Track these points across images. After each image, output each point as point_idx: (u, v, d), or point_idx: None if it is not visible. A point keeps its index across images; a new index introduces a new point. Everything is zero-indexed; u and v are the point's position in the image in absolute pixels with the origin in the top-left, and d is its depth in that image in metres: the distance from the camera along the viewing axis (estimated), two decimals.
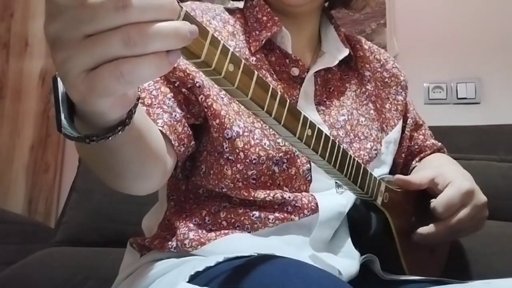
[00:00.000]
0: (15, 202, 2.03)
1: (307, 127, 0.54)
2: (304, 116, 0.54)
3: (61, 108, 0.39)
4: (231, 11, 0.79)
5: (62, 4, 0.33)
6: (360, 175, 0.64)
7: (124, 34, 0.33)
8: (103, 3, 0.33)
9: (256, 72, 0.47)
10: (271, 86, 0.49)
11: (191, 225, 0.68)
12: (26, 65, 2.12)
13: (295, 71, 0.75)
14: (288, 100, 0.51)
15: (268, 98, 0.48)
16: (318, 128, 0.56)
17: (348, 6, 0.84)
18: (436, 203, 0.70)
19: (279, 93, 0.50)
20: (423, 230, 0.71)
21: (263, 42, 0.73)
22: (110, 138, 0.41)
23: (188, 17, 0.38)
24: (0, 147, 2.06)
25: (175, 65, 0.65)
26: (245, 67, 0.45)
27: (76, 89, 0.36)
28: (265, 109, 0.48)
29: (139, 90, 0.43)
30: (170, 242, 0.68)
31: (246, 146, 0.67)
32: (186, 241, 0.66)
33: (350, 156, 0.62)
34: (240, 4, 0.83)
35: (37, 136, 2.10)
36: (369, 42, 0.90)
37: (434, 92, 1.71)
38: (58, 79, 0.38)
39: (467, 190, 0.70)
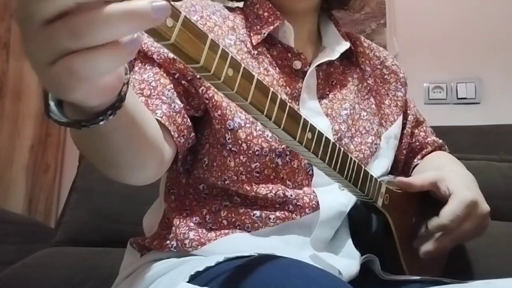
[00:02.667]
0: (15, 202, 2.03)
1: (307, 131, 0.54)
2: (304, 119, 0.54)
3: (49, 93, 0.38)
4: (231, 9, 0.80)
5: None
6: (361, 178, 0.64)
7: (69, 25, 0.30)
8: None
9: (256, 76, 0.47)
10: (271, 89, 0.49)
11: (192, 224, 0.68)
12: (26, 65, 2.12)
13: (297, 64, 0.75)
14: (288, 104, 0.51)
15: (268, 102, 0.48)
16: (319, 131, 0.56)
17: (346, 6, 0.84)
18: (441, 217, 0.69)
19: (279, 96, 0.50)
20: (428, 247, 0.71)
21: (265, 35, 0.73)
22: (100, 123, 0.40)
23: (187, 23, 0.38)
24: (0, 147, 2.06)
25: (176, 57, 0.65)
26: (244, 71, 0.45)
27: (42, 81, 0.34)
28: (264, 113, 0.48)
29: (127, 73, 0.41)
30: (170, 242, 0.68)
31: (248, 137, 0.67)
32: (186, 241, 0.66)
33: (351, 158, 0.62)
34: (240, 4, 0.83)
35: (37, 136, 2.10)
36: (368, 40, 0.91)
37: (434, 92, 1.71)
38: None
39: (471, 201, 0.70)
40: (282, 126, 0.51)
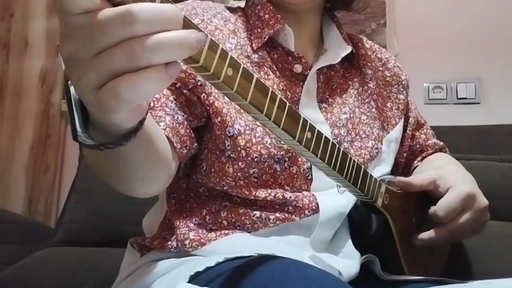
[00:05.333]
0: (15, 202, 2.03)
1: (307, 130, 0.54)
2: (304, 119, 0.54)
3: (75, 116, 0.39)
4: (232, 10, 0.79)
5: (74, 24, 0.34)
6: (360, 177, 0.64)
7: (127, 49, 0.33)
8: (111, 20, 0.33)
9: (255, 76, 0.47)
10: (271, 89, 0.49)
11: (192, 225, 0.68)
12: (26, 65, 2.12)
13: (298, 68, 0.75)
14: (288, 103, 0.51)
15: (267, 102, 0.48)
16: (318, 130, 0.56)
17: (349, 7, 0.84)
18: (437, 207, 0.69)
19: (279, 96, 0.50)
20: (424, 235, 0.71)
21: (265, 39, 0.73)
22: (124, 144, 0.42)
23: (186, 23, 0.38)
24: (0, 147, 2.06)
25: None
26: (244, 71, 0.45)
27: (90, 105, 0.37)
28: (264, 112, 0.48)
29: None
30: (170, 242, 0.68)
31: (247, 144, 0.67)
32: (186, 242, 0.66)
33: (350, 158, 0.62)
34: (241, 4, 0.83)
35: (37, 136, 2.10)
36: (370, 41, 0.90)
37: (434, 92, 1.71)
38: (71, 87, 0.39)
39: (468, 194, 0.70)
40: (281, 125, 0.51)
